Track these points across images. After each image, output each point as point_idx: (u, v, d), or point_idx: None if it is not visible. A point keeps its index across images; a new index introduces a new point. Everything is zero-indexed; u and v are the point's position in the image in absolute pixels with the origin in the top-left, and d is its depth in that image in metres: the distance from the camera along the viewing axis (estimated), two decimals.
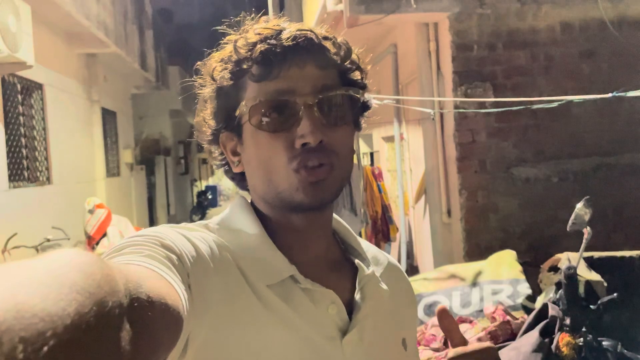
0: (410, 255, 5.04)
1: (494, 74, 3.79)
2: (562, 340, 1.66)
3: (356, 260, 0.78)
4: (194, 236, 0.67)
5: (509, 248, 3.48)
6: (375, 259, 0.83)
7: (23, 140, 5.81)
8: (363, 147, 7.08)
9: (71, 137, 7.11)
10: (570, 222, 1.96)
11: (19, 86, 5.73)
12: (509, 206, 3.85)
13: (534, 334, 1.73)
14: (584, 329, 1.64)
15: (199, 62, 0.76)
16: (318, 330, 0.69)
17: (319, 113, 0.69)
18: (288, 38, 0.69)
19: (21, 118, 5.79)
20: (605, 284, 2.60)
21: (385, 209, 4.82)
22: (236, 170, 0.77)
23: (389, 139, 5.54)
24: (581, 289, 2.58)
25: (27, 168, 5.89)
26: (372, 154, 6.76)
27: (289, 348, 0.66)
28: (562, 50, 3.84)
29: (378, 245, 4.78)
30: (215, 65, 0.73)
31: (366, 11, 3.70)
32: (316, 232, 0.76)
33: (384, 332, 0.76)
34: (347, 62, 0.74)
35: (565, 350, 1.64)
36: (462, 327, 2.08)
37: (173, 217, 14.68)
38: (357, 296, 0.74)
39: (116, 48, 7.83)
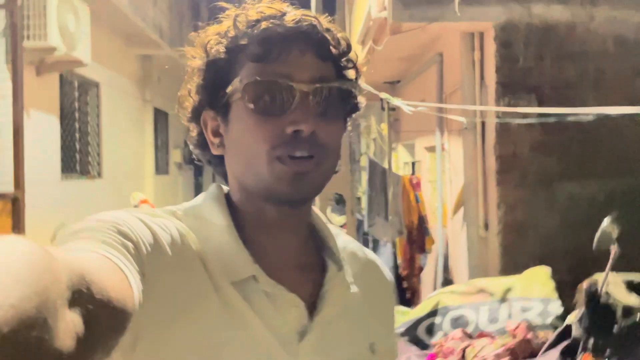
0: (446, 268, 4.94)
1: (539, 86, 3.67)
2: None
3: (329, 262, 0.74)
4: (155, 223, 0.64)
5: (548, 266, 3.35)
6: (352, 256, 0.78)
7: (77, 135, 6.10)
8: (405, 157, 7.00)
9: (123, 135, 7.41)
10: (596, 239, 1.87)
11: (76, 83, 6.02)
12: (550, 223, 3.71)
13: (555, 354, 1.65)
14: (607, 351, 1.56)
15: (192, 33, 0.72)
16: (274, 333, 0.66)
17: (314, 103, 0.66)
18: (292, 20, 0.66)
19: (77, 114, 6.08)
20: None
21: (422, 219, 4.75)
22: (215, 152, 0.72)
23: (431, 149, 5.46)
24: (619, 313, 2.46)
25: (79, 161, 6.17)
26: (413, 164, 6.68)
27: (240, 349, 0.64)
28: (614, 65, 3.67)
29: (412, 256, 4.71)
30: (211, 38, 0.69)
31: (409, 18, 3.67)
32: (289, 228, 0.72)
33: (349, 337, 0.72)
34: (345, 58, 0.71)
35: None
36: (481, 342, 2.02)
37: None
38: (320, 299, 0.71)
39: (170, 50, 8.10)
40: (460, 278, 4.48)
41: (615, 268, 2.60)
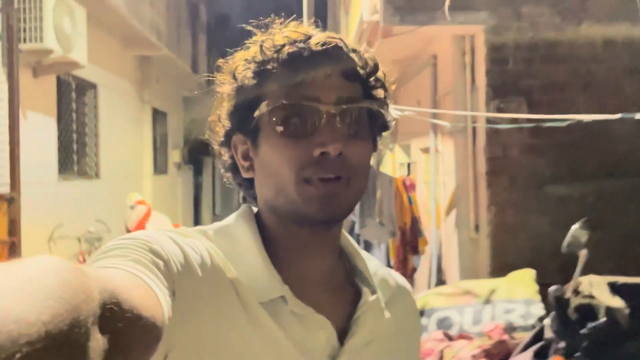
0: (440, 269, 4.97)
1: (529, 88, 3.70)
2: None
3: (362, 286, 0.75)
4: (186, 243, 0.65)
5: (538, 268, 3.38)
6: (383, 282, 0.78)
7: (74, 135, 6.13)
8: (400, 158, 7.03)
9: (121, 135, 7.43)
10: (565, 242, 1.91)
11: (73, 85, 6.06)
12: (540, 225, 3.74)
13: (528, 355, 1.69)
14: (578, 353, 1.59)
15: (221, 60, 0.74)
16: (305, 354, 0.66)
17: (341, 124, 0.66)
18: (317, 43, 0.67)
19: (74, 115, 6.11)
20: (628, 311, 2.50)
21: (415, 220, 4.78)
22: (245, 175, 0.73)
23: (426, 151, 5.49)
24: (601, 315, 2.49)
25: (77, 162, 6.20)
26: (408, 165, 6.72)
27: None
28: (603, 67, 3.71)
29: (406, 257, 4.74)
30: (238, 64, 0.70)
31: (400, 22, 3.70)
32: (321, 250, 0.73)
33: None
34: (372, 78, 0.72)
35: None
36: (459, 344, 2.06)
37: (218, 216, 15.03)
38: (354, 324, 0.71)
39: (168, 51, 8.13)
40: (453, 279, 4.51)
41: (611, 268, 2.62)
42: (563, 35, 3.69)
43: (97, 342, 0.38)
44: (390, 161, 6.96)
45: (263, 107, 0.67)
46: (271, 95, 0.67)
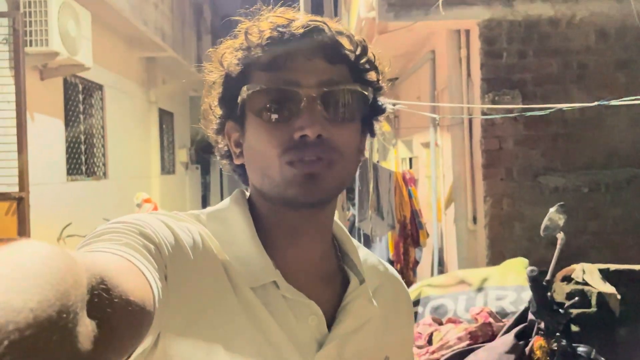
0: (442, 261, 5.03)
1: (523, 81, 3.75)
2: (536, 343, 1.68)
3: (351, 274, 0.75)
4: (178, 227, 0.64)
5: (534, 257, 3.44)
6: (373, 270, 0.79)
7: (82, 136, 6.26)
8: (403, 152, 7.10)
9: (128, 136, 7.56)
10: (543, 226, 1.97)
11: (80, 86, 6.18)
12: (536, 215, 3.78)
13: (510, 336, 1.75)
14: (558, 334, 1.65)
15: (210, 49, 0.73)
16: (293, 340, 0.66)
17: (322, 107, 0.66)
18: (298, 27, 0.66)
19: (81, 116, 6.24)
20: (619, 297, 2.56)
21: (416, 214, 4.85)
22: (237, 161, 0.74)
23: (427, 145, 5.56)
24: (593, 301, 2.55)
25: (84, 163, 6.33)
26: (410, 159, 6.79)
27: (258, 353, 0.64)
28: (596, 59, 3.75)
29: (407, 250, 4.81)
30: (225, 52, 0.70)
31: (395, 18, 3.77)
32: (311, 234, 0.72)
33: (366, 351, 0.73)
34: (362, 60, 0.71)
35: (538, 353, 1.66)
36: (447, 327, 2.13)
37: None
38: (341, 311, 0.72)
39: (173, 52, 8.24)
40: (453, 270, 4.57)
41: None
42: (556, 28, 3.74)
43: (86, 327, 0.38)
44: (394, 156, 7.03)
45: (243, 93, 0.68)
46: (253, 81, 0.68)
